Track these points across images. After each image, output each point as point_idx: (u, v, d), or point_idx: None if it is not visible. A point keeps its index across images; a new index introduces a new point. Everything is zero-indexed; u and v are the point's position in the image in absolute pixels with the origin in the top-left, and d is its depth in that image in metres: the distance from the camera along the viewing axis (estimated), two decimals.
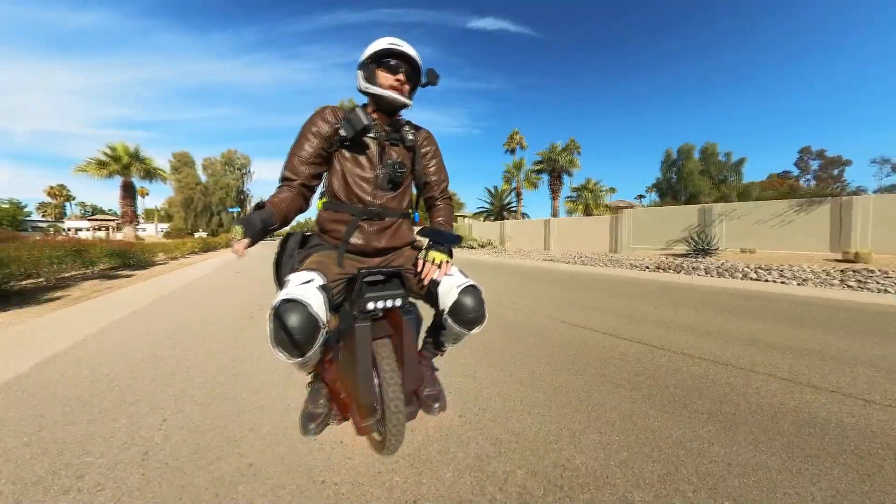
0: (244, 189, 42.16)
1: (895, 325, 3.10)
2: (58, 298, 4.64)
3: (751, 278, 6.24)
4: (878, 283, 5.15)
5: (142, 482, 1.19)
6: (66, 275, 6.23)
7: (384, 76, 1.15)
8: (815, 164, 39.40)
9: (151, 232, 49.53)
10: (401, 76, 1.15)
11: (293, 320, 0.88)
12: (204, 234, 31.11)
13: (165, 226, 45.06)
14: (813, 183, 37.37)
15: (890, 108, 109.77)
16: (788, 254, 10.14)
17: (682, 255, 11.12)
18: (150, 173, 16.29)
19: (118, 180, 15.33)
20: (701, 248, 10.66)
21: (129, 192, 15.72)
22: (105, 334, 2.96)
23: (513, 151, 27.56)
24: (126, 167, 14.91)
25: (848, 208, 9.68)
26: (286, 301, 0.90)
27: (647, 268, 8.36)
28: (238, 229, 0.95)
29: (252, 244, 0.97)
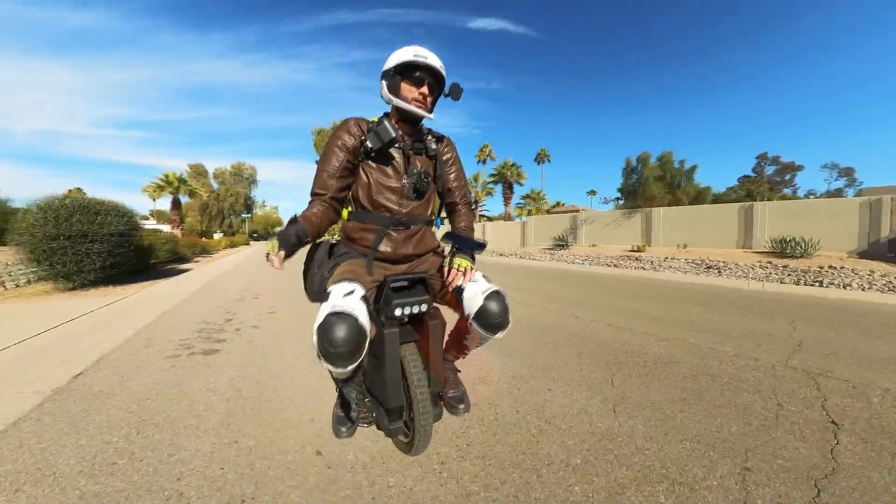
0: (251, 196, 49.96)
1: (622, 286, 6.00)
2: (198, 262, 11.72)
3: (566, 261, 12.97)
4: (618, 261, 11.78)
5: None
6: (188, 255, 13.40)
7: (408, 89, 1.19)
8: (770, 170, 44.84)
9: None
10: (424, 89, 1.19)
11: (343, 332, 0.93)
12: (220, 235, 38.58)
13: None
14: (767, 187, 43.09)
15: (844, 116, 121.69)
16: (616, 247, 16.62)
17: (551, 249, 17.70)
18: (193, 193, 23.88)
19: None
20: (561, 244, 17.26)
21: (176, 206, 23.12)
22: (237, 264, 9.98)
23: (483, 162, 34.22)
24: (176, 189, 22.17)
25: (649, 216, 16.17)
26: (333, 314, 0.95)
27: (520, 256, 15.17)
28: (274, 242, 1.05)
29: (288, 257, 1.08)
